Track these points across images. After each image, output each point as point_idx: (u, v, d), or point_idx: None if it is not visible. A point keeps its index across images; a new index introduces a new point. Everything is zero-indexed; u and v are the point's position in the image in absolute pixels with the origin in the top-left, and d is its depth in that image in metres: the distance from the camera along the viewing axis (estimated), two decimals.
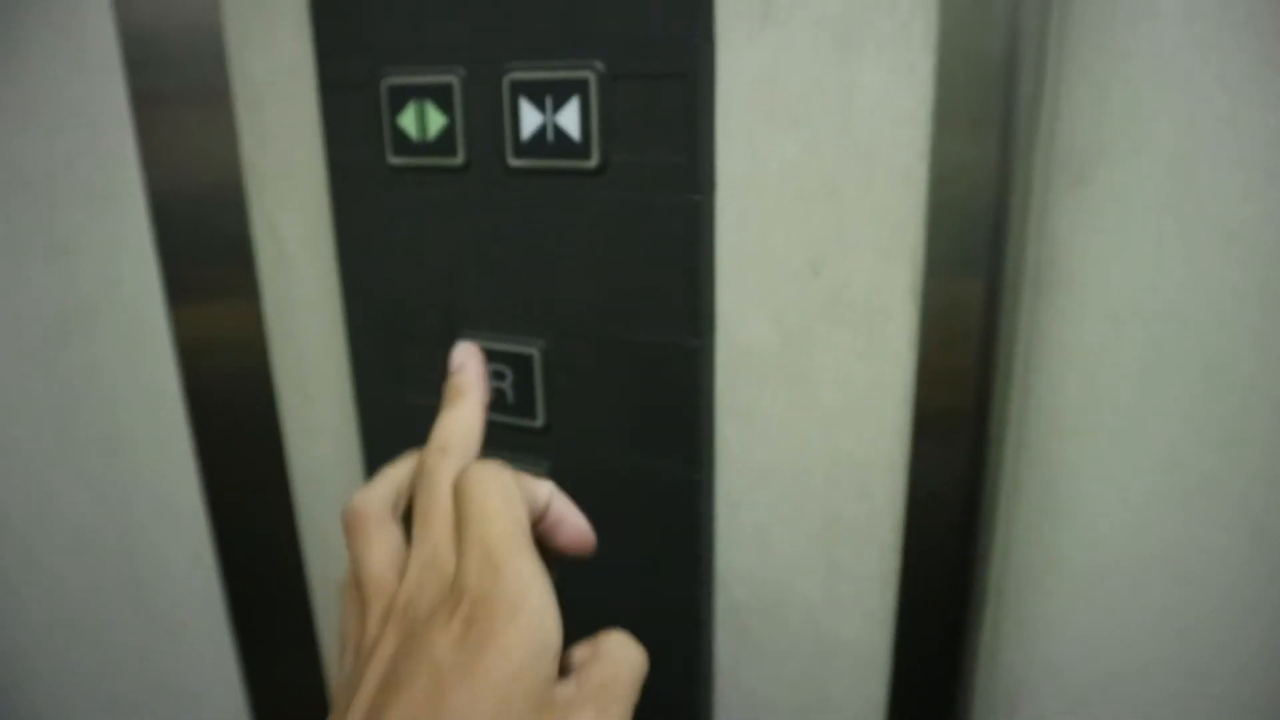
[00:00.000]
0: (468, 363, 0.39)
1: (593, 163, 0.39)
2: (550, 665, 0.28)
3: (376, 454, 0.51)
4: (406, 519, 0.34)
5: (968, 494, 0.39)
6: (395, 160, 0.44)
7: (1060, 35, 0.35)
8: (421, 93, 0.42)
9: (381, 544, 0.33)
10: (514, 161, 0.41)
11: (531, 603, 0.28)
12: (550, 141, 0.40)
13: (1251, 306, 0.34)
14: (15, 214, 0.53)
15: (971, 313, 0.37)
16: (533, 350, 0.44)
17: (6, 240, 0.53)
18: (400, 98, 0.43)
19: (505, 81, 0.40)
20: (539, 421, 0.44)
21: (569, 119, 0.39)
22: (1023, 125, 0.35)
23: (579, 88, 0.39)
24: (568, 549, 0.35)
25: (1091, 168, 0.36)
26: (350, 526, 0.34)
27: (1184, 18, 0.33)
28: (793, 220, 0.38)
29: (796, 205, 0.38)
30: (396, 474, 0.36)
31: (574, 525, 0.35)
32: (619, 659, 0.32)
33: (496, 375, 0.45)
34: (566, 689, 0.29)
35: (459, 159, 0.42)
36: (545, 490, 0.34)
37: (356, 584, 0.33)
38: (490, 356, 0.44)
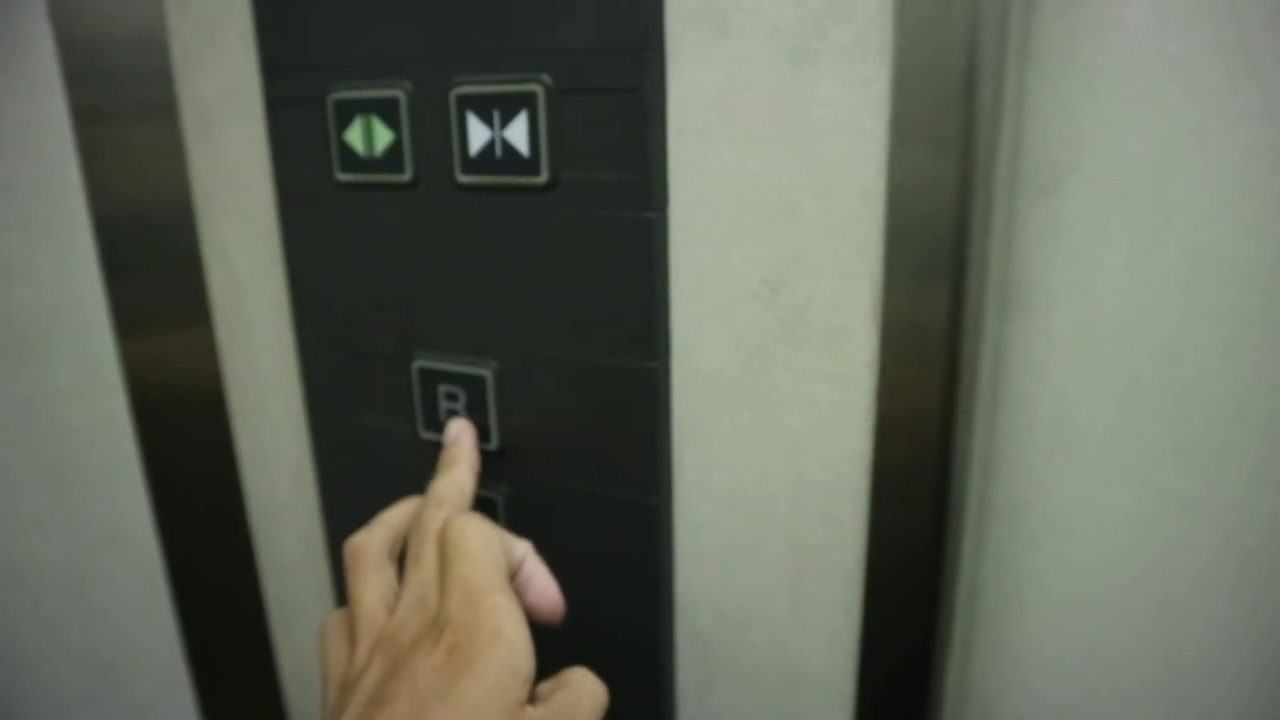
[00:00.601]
0: (461, 436, 0.42)
1: (542, 179, 0.38)
2: (522, 689, 0.31)
3: (331, 478, 0.49)
4: (401, 560, 0.37)
5: (933, 519, 0.38)
6: (343, 177, 0.42)
7: (1023, 49, 0.34)
8: (368, 108, 0.41)
9: (377, 582, 0.36)
10: (463, 178, 0.40)
11: (507, 633, 0.31)
12: (499, 157, 0.39)
13: (1226, 323, 0.33)
14: None
15: (934, 332, 0.36)
16: (485, 372, 0.42)
17: None
18: (347, 113, 0.41)
19: (452, 96, 0.39)
20: (494, 444, 0.43)
21: (517, 134, 0.38)
22: (983, 140, 0.34)
23: (527, 101, 0.37)
24: (534, 610, 0.37)
25: (1058, 183, 0.35)
26: (349, 565, 0.37)
27: (1152, 32, 0.32)
28: (749, 238, 0.37)
29: (753, 223, 0.37)
30: (393, 518, 0.39)
31: (543, 588, 0.37)
32: (580, 689, 0.34)
33: (449, 397, 0.43)
34: (534, 712, 0.32)
35: (407, 175, 0.41)
36: (521, 548, 0.37)
37: (350, 618, 0.35)
38: (443, 378, 0.43)
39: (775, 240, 0.37)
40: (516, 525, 0.44)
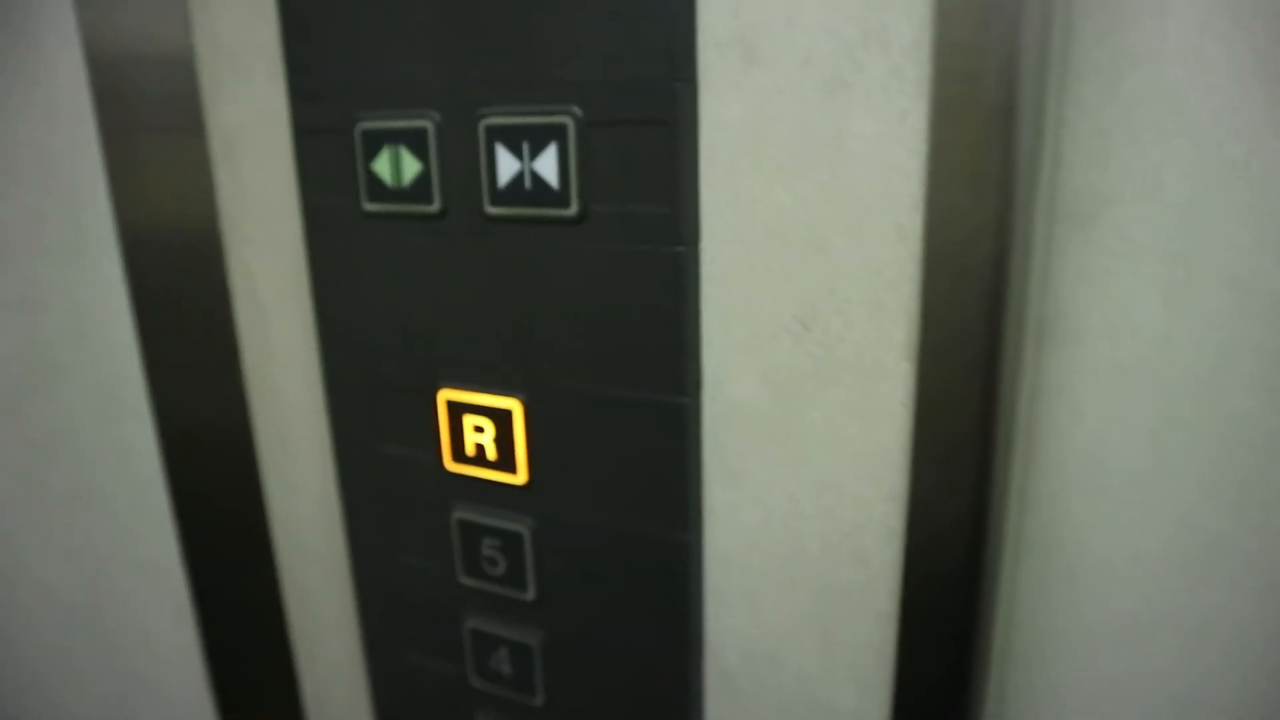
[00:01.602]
0: None
1: (572, 211, 0.37)
2: None
3: (356, 507, 0.49)
4: None
5: (968, 559, 0.37)
6: (370, 206, 0.42)
7: (1061, 80, 0.33)
8: (396, 138, 0.41)
9: None
10: (491, 209, 0.39)
11: None
12: (528, 189, 0.38)
13: (1263, 360, 0.33)
14: None
15: (970, 370, 0.35)
16: (514, 404, 0.42)
17: None
18: (374, 143, 0.41)
19: (481, 127, 0.38)
20: (520, 478, 0.43)
21: (547, 166, 0.38)
22: (1022, 175, 0.33)
23: (556, 133, 0.37)
24: None
25: (1096, 215, 0.34)
26: None
27: (1193, 63, 0.32)
28: (781, 273, 0.36)
29: (785, 257, 0.36)
30: None
31: None
32: None
33: (476, 429, 0.43)
34: None
35: (435, 206, 0.41)
36: None
37: None
38: (470, 410, 0.43)
39: (807, 275, 0.36)
40: (543, 559, 0.43)
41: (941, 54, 0.32)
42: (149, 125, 0.47)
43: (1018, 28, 0.32)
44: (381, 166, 0.41)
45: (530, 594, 0.44)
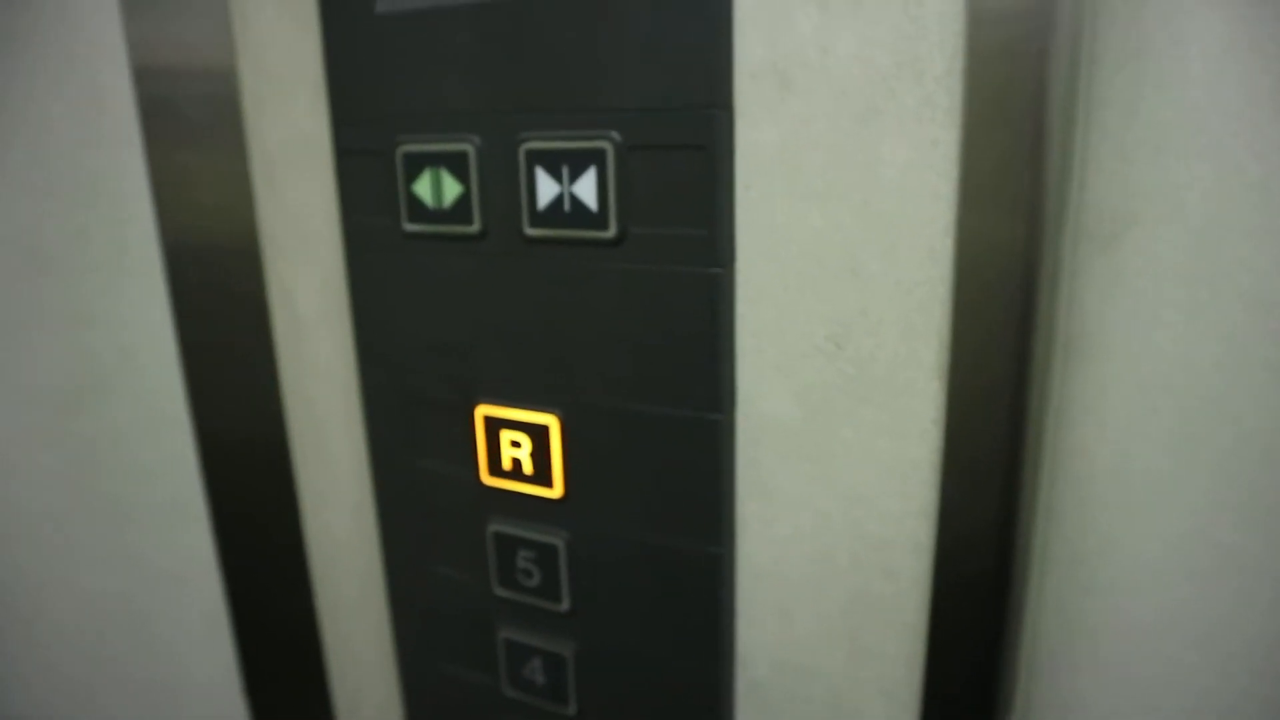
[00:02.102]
0: None
1: (610, 234, 0.39)
2: None
3: (391, 521, 0.50)
4: None
5: (997, 574, 0.38)
6: (411, 227, 0.43)
7: (1087, 105, 0.34)
8: (436, 160, 0.42)
9: None
10: (530, 231, 0.40)
11: None
12: (567, 211, 0.39)
13: None
14: (32, 286, 0.53)
15: (999, 389, 0.36)
16: (550, 419, 0.43)
17: (22, 312, 0.53)
18: (415, 165, 0.42)
19: (521, 150, 0.40)
20: (556, 492, 0.44)
21: (586, 189, 0.39)
22: (1051, 201, 0.34)
23: (596, 158, 0.38)
24: None
25: (1119, 237, 0.35)
26: None
27: (1214, 85, 0.33)
28: (814, 294, 0.37)
29: (818, 278, 0.37)
30: None
31: None
32: None
33: (513, 444, 0.44)
34: None
35: (475, 227, 0.42)
36: None
37: None
38: (507, 425, 0.44)
39: (840, 296, 0.37)
40: (577, 571, 0.44)
41: (972, 82, 0.33)
42: (193, 140, 0.48)
43: (1045, 56, 0.33)
44: (422, 188, 0.42)
45: (564, 605, 0.45)
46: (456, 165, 0.41)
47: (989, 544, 0.38)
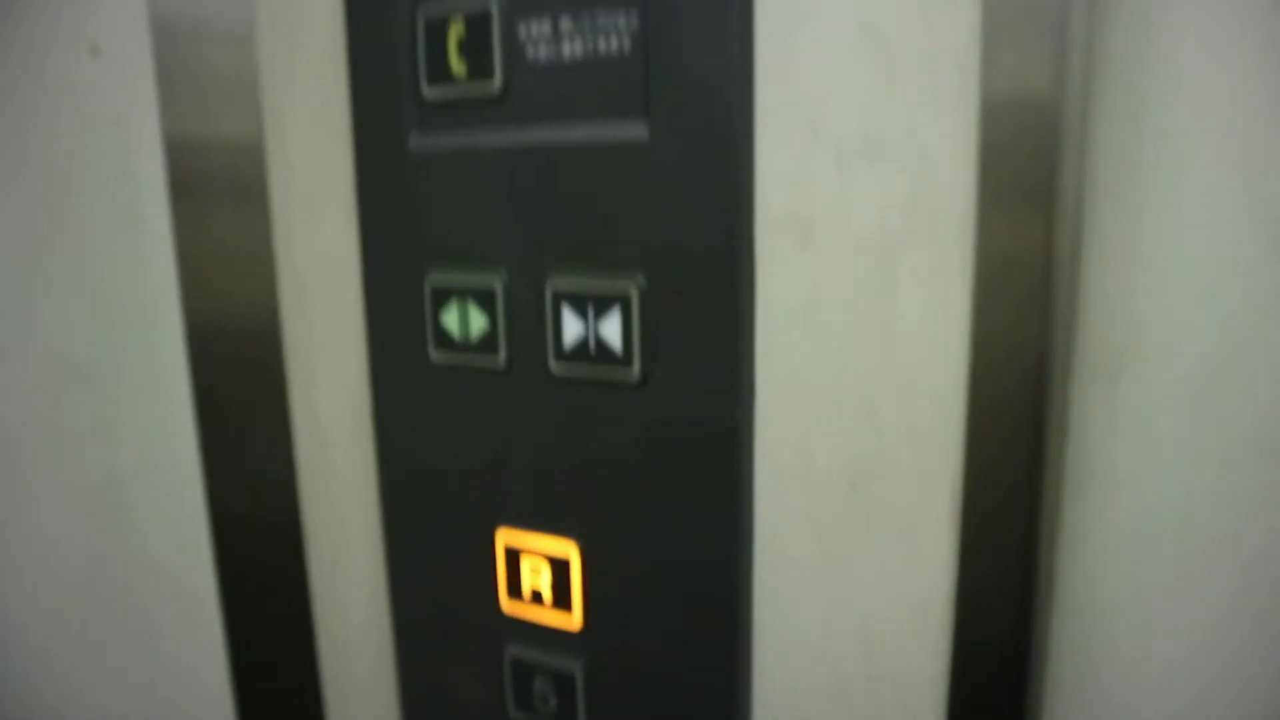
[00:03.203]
0: None
1: (634, 377, 0.40)
2: None
3: (410, 641, 0.50)
4: None
5: (1012, 711, 0.38)
6: (437, 357, 0.44)
7: (1090, 251, 0.36)
8: (464, 294, 0.43)
9: None
10: (555, 368, 0.42)
11: None
12: (592, 353, 0.40)
13: None
14: (62, 401, 0.54)
15: (1011, 530, 0.37)
16: (571, 550, 0.44)
17: (50, 423, 0.54)
18: (443, 297, 0.44)
19: (548, 289, 0.41)
20: (575, 620, 0.44)
21: (611, 331, 0.40)
22: (1059, 350, 0.35)
23: (621, 300, 0.40)
24: None
25: (1119, 372, 0.36)
26: None
27: (1210, 230, 0.34)
28: (832, 436, 0.39)
29: (836, 422, 0.38)
30: None
31: None
32: None
33: (532, 571, 0.45)
34: None
35: (500, 362, 0.43)
36: None
37: None
38: (527, 553, 0.45)
39: (857, 439, 0.38)
40: (593, 701, 0.45)
41: (984, 244, 0.35)
42: (222, 254, 0.50)
43: (1051, 214, 0.35)
44: (450, 320, 0.44)
45: None
46: (484, 300, 0.43)
47: (1004, 682, 0.38)
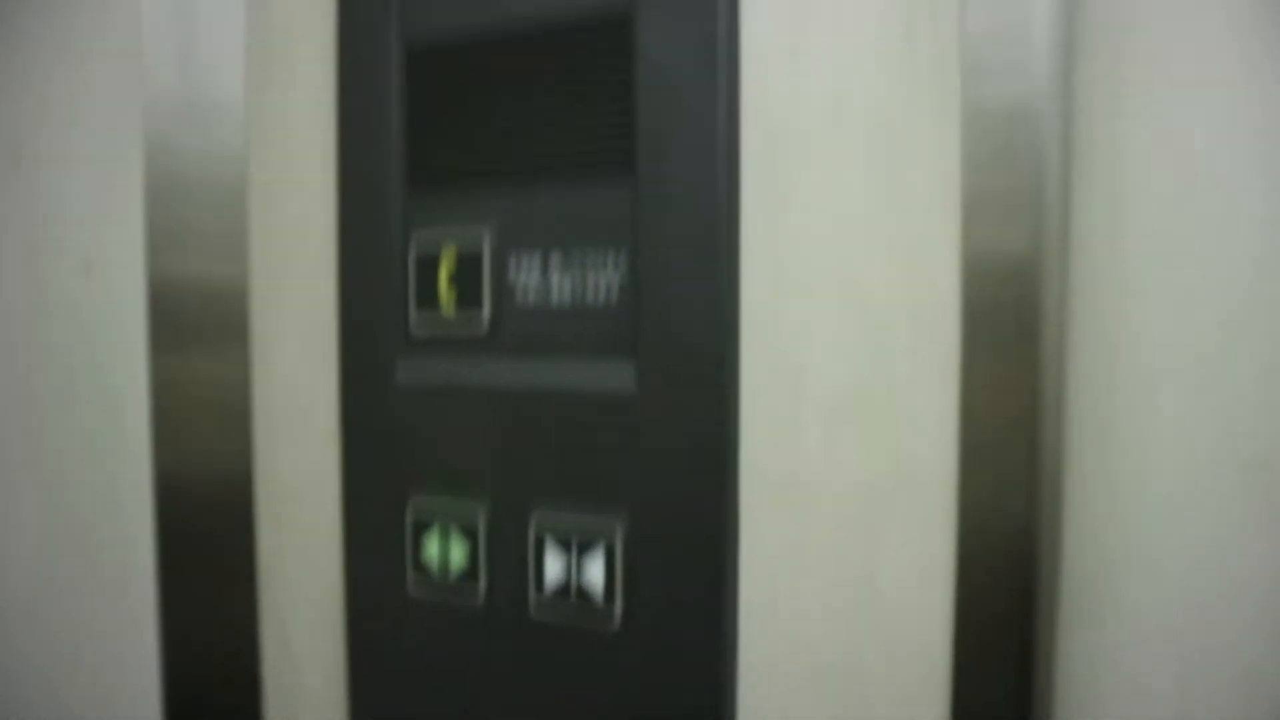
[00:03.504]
0: None
1: (614, 625, 0.39)
2: None
3: None
4: None
5: None
6: (415, 592, 0.44)
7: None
8: (446, 525, 0.43)
9: None
10: (535, 613, 0.41)
11: None
12: (573, 600, 0.40)
13: None
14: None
15: None
16: None
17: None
18: (424, 529, 0.43)
19: (531, 525, 0.41)
20: None
21: (593, 576, 0.40)
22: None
23: (604, 542, 0.39)
24: None
25: (1104, 609, 0.36)
26: None
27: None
28: (816, 690, 0.38)
29: (820, 681, 0.38)
30: None
31: None
32: None
33: None
34: None
35: (479, 602, 0.42)
36: None
37: None
38: None
39: (839, 694, 0.38)
40: None
41: (966, 494, 0.35)
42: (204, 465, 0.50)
43: (1035, 472, 0.35)
44: (430, 553, 0.43)
45: None
46: (465, 532, 0.42)
47: None
